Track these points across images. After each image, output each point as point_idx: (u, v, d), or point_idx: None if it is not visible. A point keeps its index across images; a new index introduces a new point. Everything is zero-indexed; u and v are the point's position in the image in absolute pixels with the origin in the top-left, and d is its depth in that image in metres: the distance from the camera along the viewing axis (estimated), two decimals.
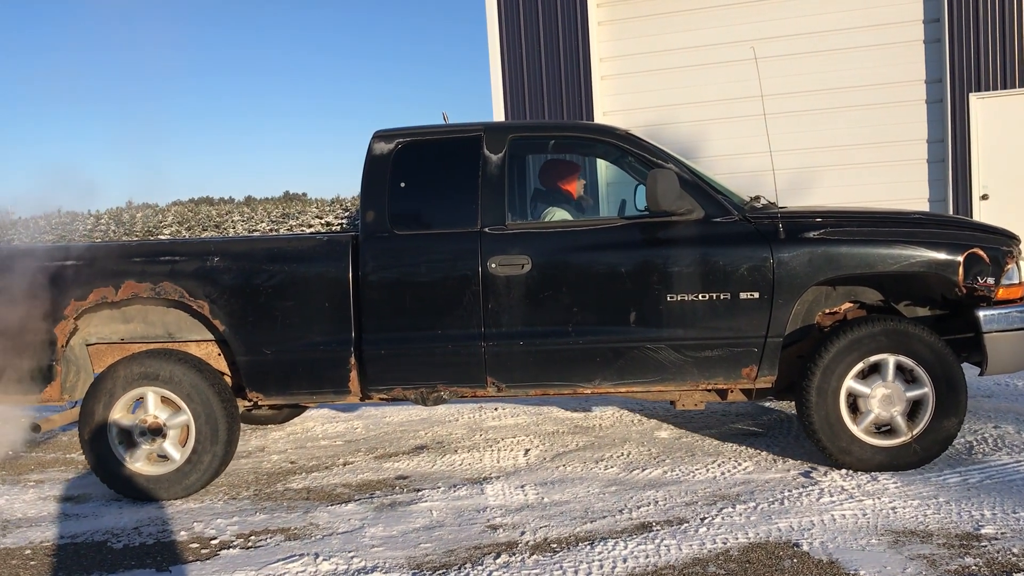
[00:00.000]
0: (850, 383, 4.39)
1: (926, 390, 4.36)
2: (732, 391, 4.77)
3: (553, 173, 5.28)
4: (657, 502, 4.14)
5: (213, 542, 3.96)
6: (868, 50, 10.61)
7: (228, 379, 4.95)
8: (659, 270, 4.48)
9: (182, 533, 4.11)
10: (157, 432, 4.71)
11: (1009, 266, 4.43)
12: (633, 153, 4.77)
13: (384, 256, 4.69)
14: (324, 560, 3.64)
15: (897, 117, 10.63)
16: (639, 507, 4.08)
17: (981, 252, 4.37)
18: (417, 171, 4.88)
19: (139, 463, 4.69)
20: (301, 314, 4.70)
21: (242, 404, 5.02)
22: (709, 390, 4.74)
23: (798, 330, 4.64)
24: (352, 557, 3.66)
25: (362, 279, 4.65)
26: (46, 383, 4.81)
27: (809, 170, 10.52)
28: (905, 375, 4.41)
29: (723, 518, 3.86)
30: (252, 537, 4.00)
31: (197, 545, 3.94)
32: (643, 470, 4.66)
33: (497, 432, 5.62)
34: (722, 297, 4.44)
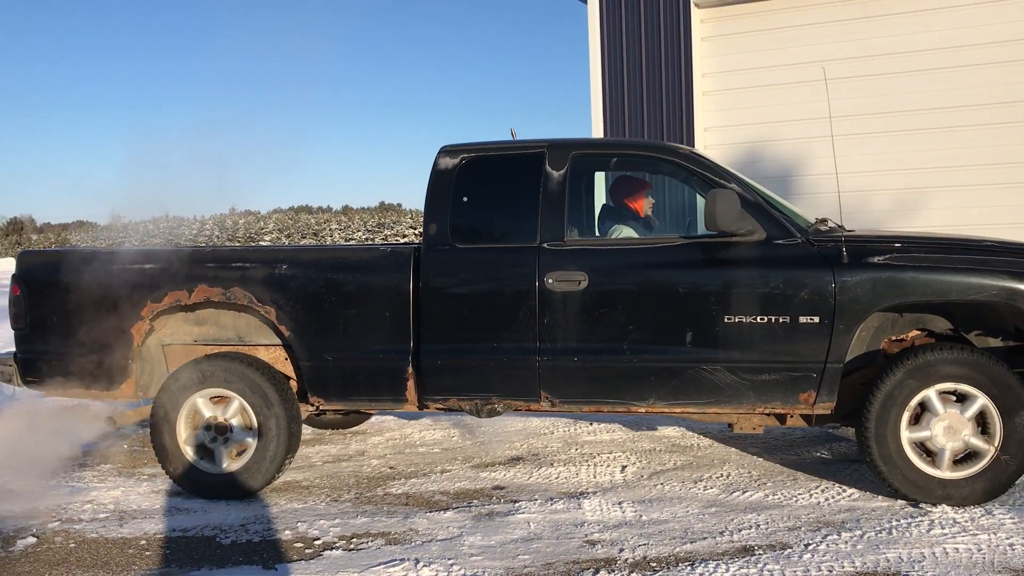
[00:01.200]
0: (909, 430, 4.30)
1: (983, 400, 4.22)
2: (791, 416, 4.67)
3: (621, 190, 5.27)
4: (759, 526, 4.06)
5: (316, 542, 4.06)
6: (985, 68, 10.23)
7: (294, 383, 5.06)
8: (717, 291, 4.45)
9: (286, 532, 4.22)
10: (224, 431, 4.89)
11: None
12: (695, 172, 4.74)
13: (444, 268, 4.78)
14: (424, 566, 3.69)
15: (1016, 138, 10.22)
16: (740, 530, 4.01)
17: None
18: (480, 186, 4.95)
19: (204, 461, 4.91)
20: (362, 323, 4.82)
21: (307, 409, 5.13)
22: (767, 414, 4.65)
23: (862, 356, 4.53)
24: (452, 564, 3.70)
25: (422, 290, 4.73)
26: (122, 380, 5.06)
27: (918, 191, 10.20)
28: (956, 397, 4.28)
29: (828, 545, 3.77)
30: (354, 539, 4.08)
31: (301, 545, 4.04)
32: (743, 492, 4.58)
33: (593, 447, 5.61)
34: (781, 320, 4.36)
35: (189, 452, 4.89)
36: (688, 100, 11.64)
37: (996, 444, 4.21)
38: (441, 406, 4.90)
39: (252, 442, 4.83)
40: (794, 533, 3.94)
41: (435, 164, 4.97)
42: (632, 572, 3.56)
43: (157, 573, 3.77)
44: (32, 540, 4.20)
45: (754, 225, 4.47)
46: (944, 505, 4.23)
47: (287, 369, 5.07)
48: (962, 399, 4.27)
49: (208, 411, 4.89)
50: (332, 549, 3.97)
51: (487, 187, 4.97)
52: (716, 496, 4.55)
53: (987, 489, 4.22)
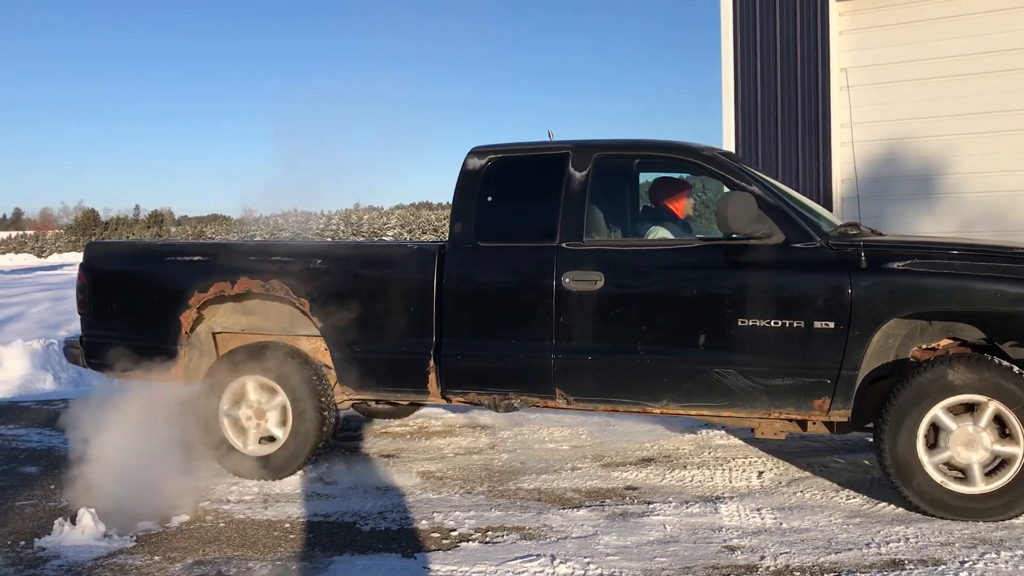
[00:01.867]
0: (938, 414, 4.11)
1: (994, 404, 4.03)
2: (813, 423, 4.54)
3: (661, 191, 5.24)
4: (907, 539, 3.89)
5: (452, 533, 4.12)
6: None
7: (333, 375, 5.18)
8: (731, 293, 4.41)
9: (423, 522, 4.29)
10: (262, 415, 5.16)
11: None
12: (716, 174, 4.71)
13: (466, 265, 4.90)
14: (561, 563, 3.68)
15: None
16: (888, 543, 3.85)
17: None
18: (504, 186, 5.05)
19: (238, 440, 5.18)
20: (389, 317, 4.98)
21: (346, 398, 5.27)
22: (786, 419, 4.52)
23: (891, 364, 4.36)
24: (588, 563, 3.69)
25: (445, 286, 4.84)
26: (172, 364, 5.32)
27: None
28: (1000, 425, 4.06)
29: (986, 564, 3.57)
30: (489, 532, 4.12)
31: (438, 535, 4.11)
32: (889, 504, 4.39)
33: (727, 451, 5.49)
34: (795, 325, 4.27)
35: (228, 429, 5.18)
36: (824, 96, 11.27)
37: (1022, 444, 4.00)
38: (462, 400, 5.01)
39: (279, 430, 5.09)
40: (947, 549, 3.75)
41: (463, 165, 5.08)
42: None
43: (301, 556, 3.90)
44: (185, 518, 4.41)
45: (772, 228, 4.40)
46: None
47: (327, 359, 5.19)
48: (972, 408, 4.09)
49: (254, 395, 5.16)
50: (468, 541, 4.01)
51: (511, 187, 5.07)
52: (860, 506, 4.38)
53: (958, 510, 4.09)
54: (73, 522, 4.14)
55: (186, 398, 5.39)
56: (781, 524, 4.13)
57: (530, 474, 5.11)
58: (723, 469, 5.09)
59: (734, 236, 4.42)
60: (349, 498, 4.71)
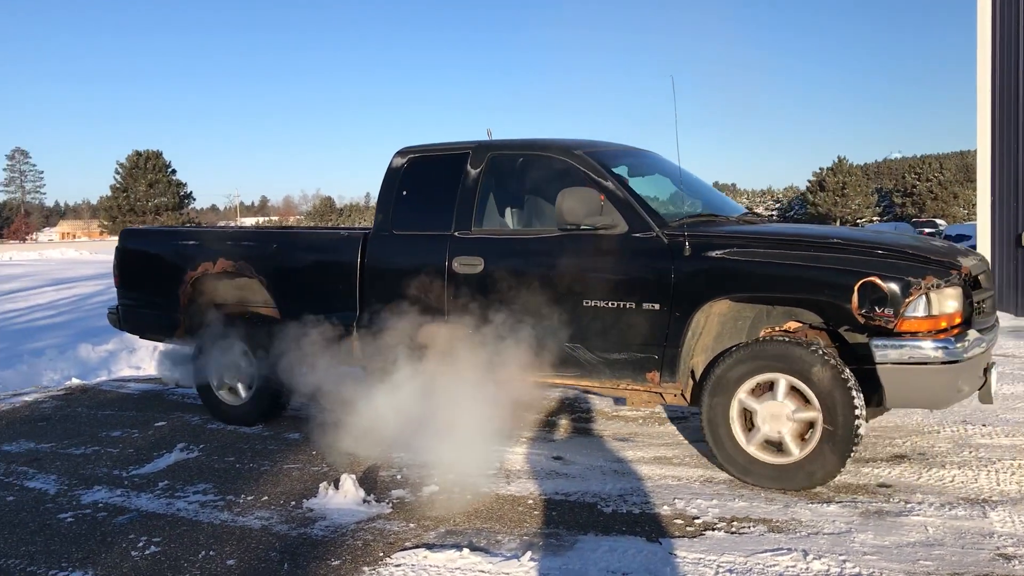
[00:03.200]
0: (743, 398, 4.54)
1: (815, 414, 4.36)
2: (668, 394, 4.90)
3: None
4: None
5: (696, 521, 4.06)
6: None
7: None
8: (579, 277, 4.93)
9: (664, 508, 4.26)
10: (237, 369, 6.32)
11: (913, 297, 4.22)
12: (579, 170, 5.16)
13: (382, 250, 5.68)
14: (814, 559, 3.55)
15: None
16: None
17: (879, 281, 4.26)
18: (417, 182, 5.75)
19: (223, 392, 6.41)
20: (325, 292, 5.84)
21: None
22: (633, 391, 4.96)
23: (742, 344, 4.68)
24: (844, 561, 3.53)
25: (366, 267, 5.66)
26: (175, 329, 6.53)
27: None
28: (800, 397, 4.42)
29: None
30: (735, 523, 4.03)
31: (681, 522, 4.07)
32: None
33: (990, 451, 5.07)
34: (628, 306, 4.79)
35: (220, 391, 6.36)
36: None
37: (818, 408, 4.34)
38: (383, 366, 5.64)
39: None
40: None
41: (389, 163, 5.85)
42: None
43: (547, 533, 3.98)
44: (435, 488, 4.63)
45: (616, 219, 4.90)
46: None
47: None
48: (771, 386, 4.48)
49: (237, 356, 6.21)
50: (713, 529, 3.95)
51: (423, 183, 5.75)
52: None
53: (838, 452, 4.32)
54: (336, 486, 4.45)
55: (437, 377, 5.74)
56: None
57: None
58: (988, 471, 4.70)
59: (583, 227, 4.87)
60: (587, 479, 4.76)
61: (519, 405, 6.60)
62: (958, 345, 4.24)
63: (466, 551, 3.70)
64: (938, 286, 4.25)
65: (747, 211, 5.79)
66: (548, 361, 4.99)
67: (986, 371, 4.57)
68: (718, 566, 3.54)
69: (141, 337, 7.18)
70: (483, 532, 4.00)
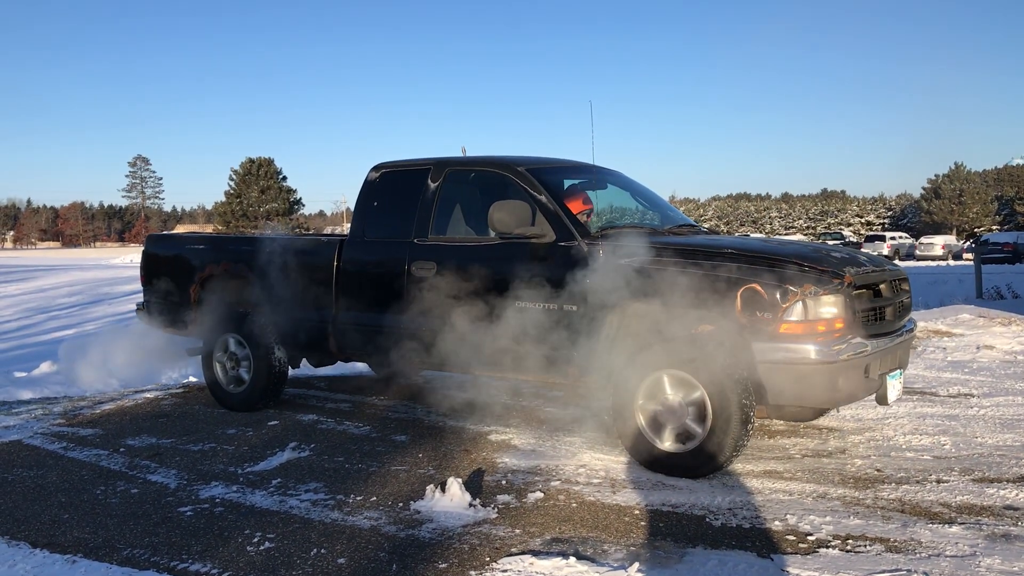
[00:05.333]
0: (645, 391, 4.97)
1: (700, 431, 4.80)
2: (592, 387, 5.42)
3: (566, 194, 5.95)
4: None
5: (809, 538, 3.94)
6: None
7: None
8: (513, 281, 5.39)
9: (776, 523, 4.15)
10: (237, 361, 7.04)
11: (791, 302, 4.60)
12: (518, 185, 5.67)
13: (356, 255, 6.32)
14: None
15: None
16: None
17: (759, 288, 4.66)
18: (387, 194, 6.37)
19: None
20: (307, 292, 6.44)
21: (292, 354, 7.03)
22: (556, 383, 5.64)
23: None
24: None
25: (341, 270, 6.32)
26: (188, 324, 7.28)
27: None
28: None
29: None
30: (849, 540, 3.90)
31: (793, 538, 3.95)
32: None
33: None
34: (552, 307, 5.26)
35: (224, 381, 7.05)
36: None
37: (690, 447, 4.88)
38: (357, 361, 6.60)
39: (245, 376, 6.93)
40: None
41: (366, 177, 6.52)
42: None
43: (654, 544, 3.93)
44: (540, 495, 4.63)
45: (546, 229, 5.40)
46: None
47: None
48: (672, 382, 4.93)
49: (232, 348, 6.96)
50: (827, 547, 3.82)
51: (391, 195, 6.34)
52: None
53: (671, 467, 4.95)
54: (443, 489, 4.49)
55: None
56: None
57: (889, 483, 4.77)
58: None
59: (516, 236, 5.37)
60: (696, 491, 4.68)
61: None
62: (835, 347, 4.61)
63: (572, 559, 3.68)
64: (815, 293, 4.63)
65: (689, 223, 6.36)
66: (488, 356, 5.46)
67: (884, 375, 4.96)
68: None
69: (163, 330, 7.81)
70: (589, 541, 3.97)
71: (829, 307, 4.67)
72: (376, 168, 6.53)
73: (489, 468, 5.18)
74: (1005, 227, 66.89)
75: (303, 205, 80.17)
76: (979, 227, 67.16)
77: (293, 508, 4.52)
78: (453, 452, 5.54)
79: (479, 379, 7.37)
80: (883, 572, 3.53)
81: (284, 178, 76.35)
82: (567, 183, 6.09)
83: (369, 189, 6.48)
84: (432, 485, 4.57)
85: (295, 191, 77.14)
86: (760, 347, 4.66)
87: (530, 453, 5.49)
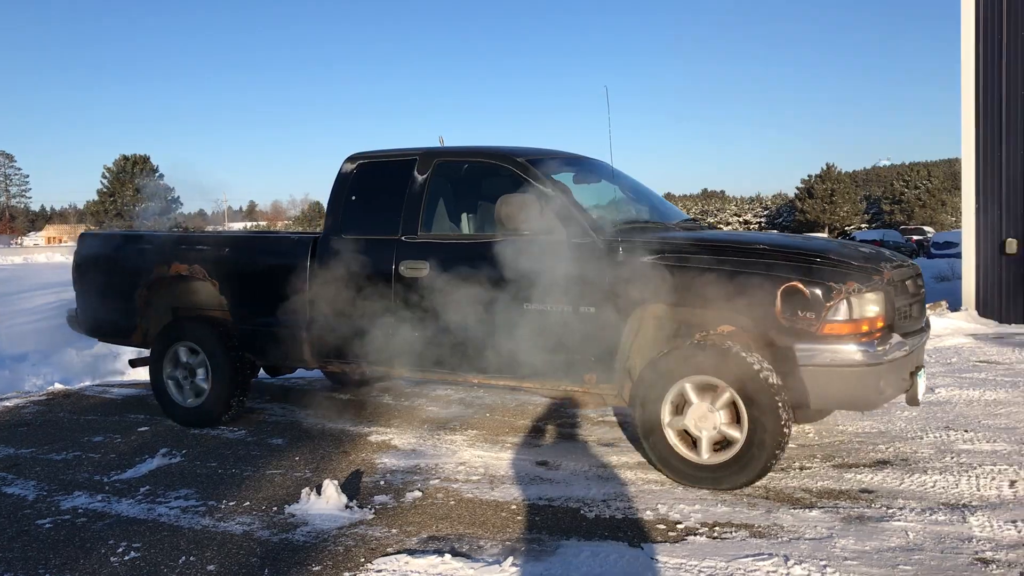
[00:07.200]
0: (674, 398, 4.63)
1: (739, 436, 4.46)
2: (608, 396, 5.13)
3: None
4: None
5: (679, 526, 4.06)
6: None
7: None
8: (520, 281, 4.98)
9: (647, 513, 4.26)
10: (192, 371, 6.34)
11: (836, 301, 4.33)
12: (522, 178, 5.24)
13: (331, 253, 5.70)
14: (795, 564, 3.55)
15: None
16: None
17: (800, 286, 4.37)
18: (367, 187, 5.82)
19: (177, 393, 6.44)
20: (276, 296, 5.84)
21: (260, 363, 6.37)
22: (574, 391, 5.16)
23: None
24: (825, 566, 3.53)
25: (316, 271, 5.73)
26: (132, 332, 6.58)
27: None
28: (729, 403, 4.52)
29: None
30: (716, 528, 4.03)
31: (664, 527, 4.06)
32: None
33: (972, 457, 5.09)
34: (565, 309, 4.88)
35: (175, 393, 6.40)
36: None
37: (746, 412, 4.45)
38: (335, 369, 5.94)
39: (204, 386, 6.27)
40: None
41: (340, 169, 5.93)
42: None
43: (529, 538, 3.97)
44: (418, 494, 4.62)
45: (554, 225, 5.01)
46: None
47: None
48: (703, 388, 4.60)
49: (185, 357, 6.35)
50: (695, 535, 3.95)
51: (371, 189, 5.82)
52: None
53: (703, 480, 4.59)
54: (319, 492, 4.43)
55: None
56: None
57: None
58: (969, 476, 4.72)
59: (522, 232, 4.99)
60: (571, 484, 4.75)
61: (503, 412, 6.62)
62: (879, 348, 4.37)
63: (448, 556, 3.68)
64: (859, 291, 4.36)
65: (689, 218, 5.96)
66: (489, 363, 5.12)
67: (913, 374, 4.70)
68: (699, 571, 3.53)
69: (100, 340, 7.20)
70: (465, 538, 3.99)
71: (873, 305, 4.43)
72: (352, 159, 5.96)
73: (368, 469, 5.13)
74: (873, 225, 70.44)
75: (181, 204, 77.54)
76: (849, 225, 70.45)
77: (162, 516, 4.38)
78: (331, 454, 5.47)
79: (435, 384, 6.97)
80: (746, 556, 3.66)
81: (161, 176, 73.69)
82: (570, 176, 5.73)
83: (344, 182, 5.90)
84: (308, 488, 4.50)
85: (173, 189, 74.56)
86: (803, 348, 4.37)
87: (410, 453, 5.46)
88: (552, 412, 6.57)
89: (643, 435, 4.71)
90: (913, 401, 4.80)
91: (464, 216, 6.08)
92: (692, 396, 4.58)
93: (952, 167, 75.85)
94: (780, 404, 4.35)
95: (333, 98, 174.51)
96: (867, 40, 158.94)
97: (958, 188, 11.61)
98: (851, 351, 4.33)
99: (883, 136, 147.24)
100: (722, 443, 4.55)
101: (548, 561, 3.68)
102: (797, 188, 77.07)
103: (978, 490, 4.49)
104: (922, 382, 4.80)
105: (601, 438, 5.76)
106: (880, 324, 4.46)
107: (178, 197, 75.16)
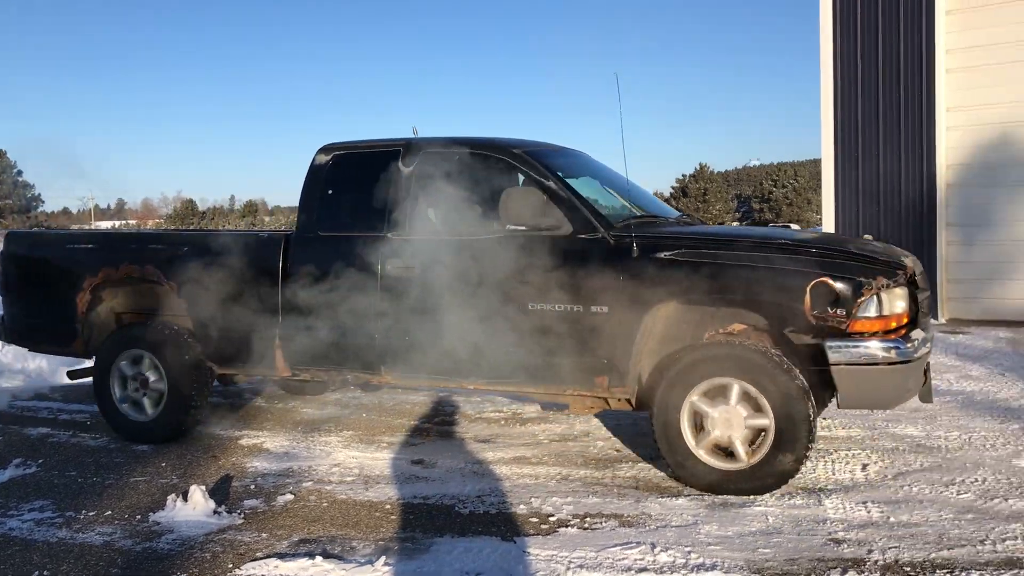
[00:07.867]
0: (695, 400, 4.45)
1: (767, 421, 4.31)
2: (613, 399, 4.78)
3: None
4: None
5: (551, 519, 4.12)
6: None
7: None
8: (523, 280, 4.72)
9: (521, 507, 4.31)
10: (146, 383, 5.79)
11: (865, 297, 4.21)
12: (520, 169, 5.04)
13: (307, 254, 5.32)
14: (661, 551, 3.66)
15: None
16: (1004, 539, 3.71)
17: (830, 281, 4.23)
18: (345, 180, 5.45)
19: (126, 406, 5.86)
20: (242, 299, 5.39)
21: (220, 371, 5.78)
22: (580, 396, 4.81)
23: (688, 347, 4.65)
24: (689, 552, 3.65)
25: (288, 272, 5.31)
26: (72, 340, 5.95)
27: None
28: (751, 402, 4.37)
29: None
30: (587, 519, 4.11)
31: (536, 520, 4.12)
32: (1004, 500, 4.22)
33: (828, 443, 5.36)
34: (575, 309, 4.61)
35: (125, 406, 5.81)
36: (928, 79, 10.89)
37: (753, 461, 4.35)
38: (306, 377, 5.45)
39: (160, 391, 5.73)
40: None
41: (312, 161, 5.51)
42: (884, 575, 3.38)
43: (403, 537, 3.96)
44: (290, 497, 4.53)
45: (560, 220, 4.74)
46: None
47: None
48: (724, 390, 4.42)
49: (136, 367, 5.78)
50: (567, 526, 4.02)
51: (351, 182, 5.44)
52: (972, 502, 4.22)
53: (714, 485, 4.42)
54: (185, 498, 4.29)
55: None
56: (888, 518, 4.01)
57: (627, 462, 5.08)
58: (825, 461, 4.96)
59: (529, 228, 4.75)
60: (447, 481, 4.76)
61: (377, 410, 6.57)
62: (908, 345, 4.25)
63: (319, 559, 3.63)
64: (888, 286, 4.25)
65: (682, 214, 5.80)
66: (488, 367, 4.85)
67: (925, 371, 4.59)
68: (569, 561, 3.60)
69: (32, 350, 6.56)
70: (337, 539, 3.94)
71: (900, 301, 4.30)
72: (326, 150, 5.53)
73: (238, 473, 5.00)
74: (744, 222, 73.18)
75: (43, 202, 73.72)
76: (721, 222, 73.00)
77: (13, 530, 4.15)
78: (200, 459, 5.31)
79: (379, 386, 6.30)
80: (616, 545, 3.75)
81: (19, 172, 69.84)
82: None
83: (318, 175, 5.47)
84: (174, 494, 4.35)
85: (33, 186, 70.77)
86: (833, 348, 4.22)
87: (283, 456, 5.36)
88: (429, 411, 6.56)
89: (660, 434, 4.53)
90: (927, 398, 4.71)
91: (455, 212, 5.42)
92: (704, 407, 4.43)
93: (818, 167, 79.49)
94: (810, 411, 4.24)
95: (210, 90, 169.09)
96: (738, 41, 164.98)
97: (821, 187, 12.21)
98: (882, 348, 4.20)
99: (753, 137, 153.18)
100: (755, 440, 4.41)
101: (421, 559, 3.68)
102: (672, 187, 79.32)
103: (833, 474, 4.73)
104: (931, 378, 4.71)
105: (478, 435, 5.79)
106: (905, 320, 4.36)
107: (39, 195, 71.68)
